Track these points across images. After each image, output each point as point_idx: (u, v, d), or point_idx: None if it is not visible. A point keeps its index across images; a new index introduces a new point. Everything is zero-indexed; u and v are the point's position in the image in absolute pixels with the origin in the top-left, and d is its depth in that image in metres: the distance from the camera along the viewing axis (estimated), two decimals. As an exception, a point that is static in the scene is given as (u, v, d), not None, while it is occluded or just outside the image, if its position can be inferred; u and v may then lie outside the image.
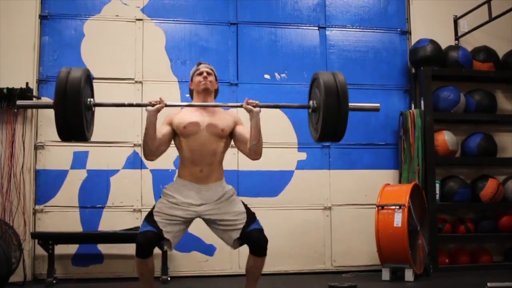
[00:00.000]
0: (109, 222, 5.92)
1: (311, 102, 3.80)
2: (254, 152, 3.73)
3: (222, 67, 6.32)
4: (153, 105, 3.63)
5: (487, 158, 6.65)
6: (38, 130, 6.02)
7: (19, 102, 3.80)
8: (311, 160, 6.39)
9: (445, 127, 6.59)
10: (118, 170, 6.00)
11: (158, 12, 6.38)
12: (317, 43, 6.59)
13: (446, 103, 6.49)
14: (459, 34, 6.90)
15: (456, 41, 6.88)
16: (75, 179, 5.99)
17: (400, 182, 6.39)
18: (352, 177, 6.47)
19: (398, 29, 6.82)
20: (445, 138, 6.46)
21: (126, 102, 4.03)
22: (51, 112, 5.95)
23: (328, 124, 3.52)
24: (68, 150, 6.00)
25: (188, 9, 6.45)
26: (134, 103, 4.33)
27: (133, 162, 6.07)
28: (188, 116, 3.79)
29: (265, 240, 3.75)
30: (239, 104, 3.78)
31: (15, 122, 5.90)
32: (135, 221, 5.94)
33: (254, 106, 3.69)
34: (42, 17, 6.18)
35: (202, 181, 3.73)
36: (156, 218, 3.65)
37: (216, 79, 3.98)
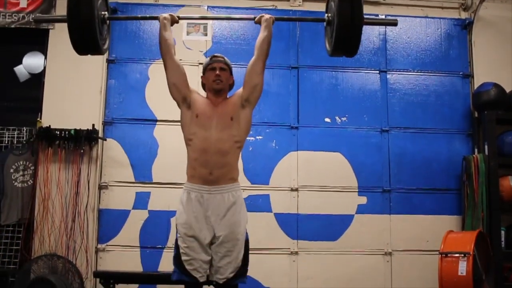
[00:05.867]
0: (169, 262, 5.89)
1: (326, 15, 3.76)
2: (265, 40, 3.79)
3: (283, 110, 6.46)
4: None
5: (555, 204, 6.40)
6: (103, 170, 6.29)
7: (35, 17, 4.49)
8: (371, 205, 6.39)
9: (510, 172, 6.45)
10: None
11: (221, 56, 6.47)
12: (378, 86, 6.62)
13: (511, 148, 6.31)
14: (524, 77, 6.75)
15: (521, 85, 6.73)
16: (137, 219, 6.19)
17: (463, 228, 6.29)
18: (414, 222, 6.43)
19: (460, 73, 6.81)
20: (511, 184, 6.33)
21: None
22: (115, 153, 6.19)
23: (342, 34, 3.52)
24: (131, 190, 6.18)
25: (249, 53, 6.42)
26: (147, 15, 4.96)
27: (194, 204, 6.09)
28: (202, 103, 3.73)
29: None
30: (251, 16, 3.93)
31: (81, 162, 6.15)
32: (195, 262, 5.93)
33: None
34: (109, 61, 6.51)
35: (213, 182, 3.60)
36: (187, 266, 3.58)
37: (231, 73, 3.89)
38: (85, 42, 3.56)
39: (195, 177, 3.63)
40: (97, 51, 3.70)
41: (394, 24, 3.97)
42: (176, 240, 3.69)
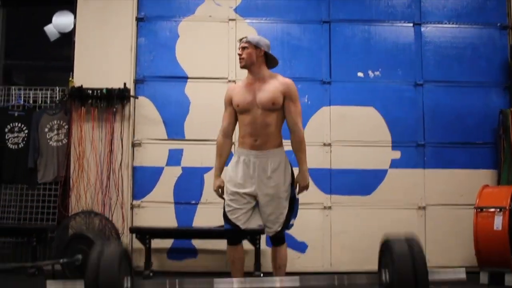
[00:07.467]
0: (203, 218, 6.20)
1: (383, 273, 3.32)
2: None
3: (315, 66, 6.54)
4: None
5: None
6: (135, 128, 6.47)
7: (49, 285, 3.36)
8: (405, 159, 6.47)
9: (548, 125, 6.39)
10: (211, 167, 6.15)
11: (251, 12, 6.60)
12: (412, 40, 6.63)
13: (549, 101, 6.31)
14: None
15: (561, 36, 6.67)
16: (171, 175, 6.39)
17: (499, 183, 6.32)
18: (448, 176, 6.49)
19: (498, 24, 6.74)
20: (548, 137, 6.26)
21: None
22: (148, 111, 6.36)
23: None
24: (164, 147, 6.38)
25: (280, 8, 6.62)
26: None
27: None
28: (241, 93, 4.17)
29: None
30: None
31: (113, 120, 6.33)
32: (229, 217, 6.12)
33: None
34: (138, 19, 6.61)
35: (258, 148, 4.11)
36: (230, 216, 4.13)
37: (256, 48, 4.16)
38: None
39: (244, 143, 4.16)
40: None
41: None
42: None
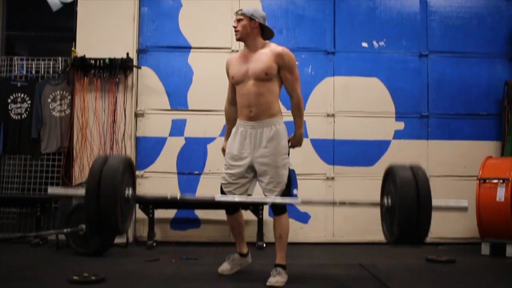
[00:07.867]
0: (206, 188, 6.23)
1: (385, 199, 3.48)
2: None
3: (319, 36, 6.52)
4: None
5: None
6: (138, 99, 6.44)
7: (50, 191, 3.82)
8: (409, 130, 6.48)
9: (553, 97, 6.39)
10: (215, 138, 6.28)
11: (255, -20, 6.51)
12: (417, 9, 6.59)
13: (555, 73, 6.29)
14: None
15: None
16: (174, 146, 6.42)
17: (502, 154, 6.34)
18: (451, 148, 6.51)
19: (505, -6, 6.64)
20: (553, 109, 6.27)
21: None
22: (151, 81, 6.34)
23: (406, 228, 3.21)
24: (167, 118, 6.39)
25: None
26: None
27: (230, 130, 6.28)
28: (236, 65, 4.29)
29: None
30: None
31: (116, 91, 6.32)
32: (231, 188, 6.15)
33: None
34: (141, -12, 6.51)
35: (254, 118, 4.17)
36: (224, 189, 4.29)
37: (250, 19, 4.20)
38: (104, 225, 3.19)
39: (241, 114, 4.25)
40: (117, 233, 3.45)
41: (464, 210, 3.54)
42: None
